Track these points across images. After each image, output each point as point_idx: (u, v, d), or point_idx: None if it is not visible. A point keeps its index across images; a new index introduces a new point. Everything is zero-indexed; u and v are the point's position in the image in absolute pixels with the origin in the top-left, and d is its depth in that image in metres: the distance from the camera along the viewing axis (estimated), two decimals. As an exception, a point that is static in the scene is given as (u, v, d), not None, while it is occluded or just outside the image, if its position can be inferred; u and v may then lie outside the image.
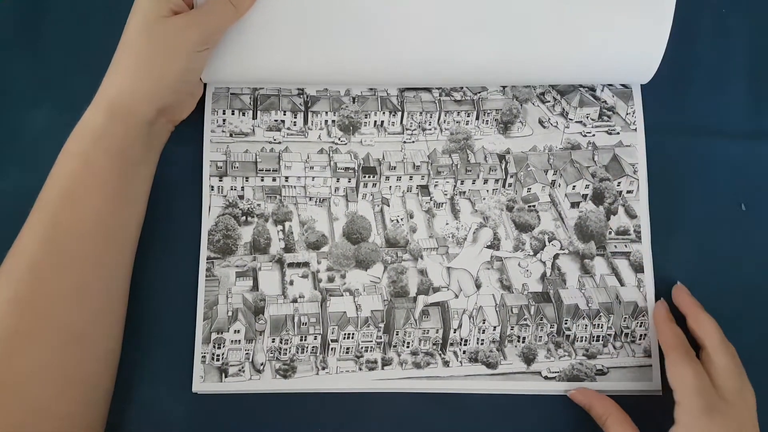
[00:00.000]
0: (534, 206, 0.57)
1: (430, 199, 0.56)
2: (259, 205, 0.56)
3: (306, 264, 0.55)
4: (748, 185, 0.56)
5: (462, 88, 0.58)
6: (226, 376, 0.52)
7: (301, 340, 0.53)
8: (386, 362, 0.53)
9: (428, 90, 0.58)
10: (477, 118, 0.58)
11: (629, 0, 0.53)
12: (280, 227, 0.55)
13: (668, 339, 0.51)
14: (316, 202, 0.56)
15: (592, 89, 0.58)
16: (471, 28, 0.53)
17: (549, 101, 0.58)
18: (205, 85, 0.57)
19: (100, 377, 0.49)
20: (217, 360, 0.52)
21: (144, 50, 0.49)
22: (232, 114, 0.57)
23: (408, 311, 0.54)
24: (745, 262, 0.56)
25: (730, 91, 0.58)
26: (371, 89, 0.58)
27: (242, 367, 0.53)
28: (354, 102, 0.57)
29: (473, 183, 0.57)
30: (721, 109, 0.58)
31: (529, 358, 0.53)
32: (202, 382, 0.52)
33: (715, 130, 0.57)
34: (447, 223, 0.56)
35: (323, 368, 0.53)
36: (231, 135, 0.57)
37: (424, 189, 0.57)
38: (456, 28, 0.53)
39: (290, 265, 0.54)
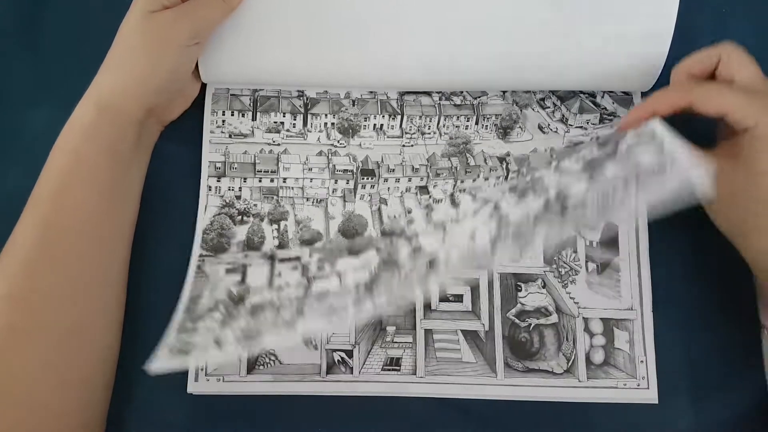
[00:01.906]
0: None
1: (429, 197, 0.56)
2: (255, 205, 0.55)
3: (297, 258, 0.54)
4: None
5: (462, 92, 0.58)
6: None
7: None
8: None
9: (428, 94, 0.58)
10: (476, 123, 0.58)
11: (631, 9, 0.53)
12: (275, 226, 0.55)
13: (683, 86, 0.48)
14: (313, 202, 0.56)
15: (593, 95, 0.58)
16: (472, 32, 0.53)
17: (549, 107, 0.58)
18: (204, 85, 0.57)
19: (99, 375, 0.49)
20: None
21: (133, 47, 0.50)
22: (232, 115, 0.57)
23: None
24: (745, 263, 0.54)
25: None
26: (371, 92, 0.58)
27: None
28: (354, 105, 0.58)
29: (473, 181, 0.56)
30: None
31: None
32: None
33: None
34: (446, 214, 0.55)
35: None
36: (230, 136, 0.57)
37: (423, 189, 0.56)
38: (457, 32, 0.53)
39: (281, 260, 0.54)
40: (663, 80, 0.54)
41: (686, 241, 0.55)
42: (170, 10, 0.49)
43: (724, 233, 0.49)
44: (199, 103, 0.56)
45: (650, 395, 0.52)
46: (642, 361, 0.52)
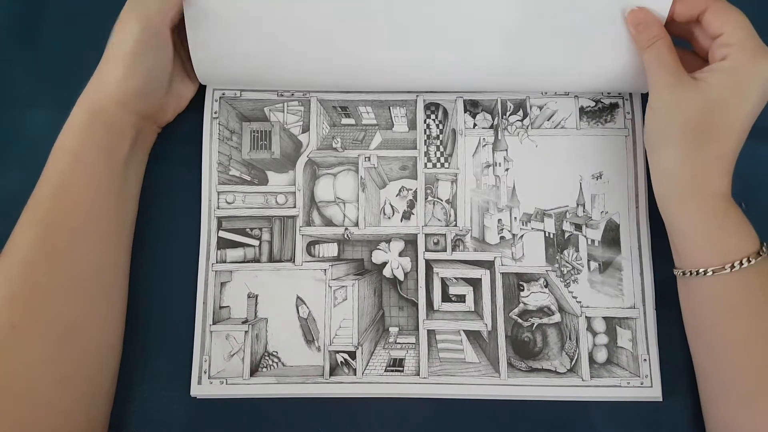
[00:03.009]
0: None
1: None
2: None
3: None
4: (748, 185, 0.56)
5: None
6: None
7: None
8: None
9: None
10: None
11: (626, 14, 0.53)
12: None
13: (648, 35, 0.50)
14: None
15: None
16: (473, 34, 0.53)
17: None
18: (203, 85, 0.57)
19: (100, 373, 0.49)
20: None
21: (113, 51, 0.50)
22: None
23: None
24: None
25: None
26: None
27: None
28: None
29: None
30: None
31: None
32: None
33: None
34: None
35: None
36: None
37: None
38: (458, 36, 0.53)
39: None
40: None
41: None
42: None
43: (646, 141, 0.50)
44: (200, 103, 0.56)
45: (654, 393, 0.52)
46: (645, 360, 0.52)
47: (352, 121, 0.57)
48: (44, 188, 0.48)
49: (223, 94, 0.57)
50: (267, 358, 0.53)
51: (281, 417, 0.52)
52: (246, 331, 0.53)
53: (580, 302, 0.54)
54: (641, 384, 0.52)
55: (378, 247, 0.55)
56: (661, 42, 0.49)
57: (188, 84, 0.55)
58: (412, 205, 0.56)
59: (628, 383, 0.52)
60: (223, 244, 0.55)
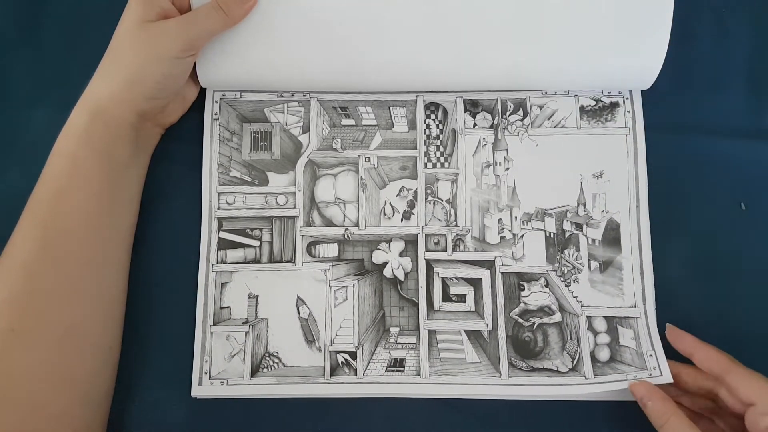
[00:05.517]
0: (535, 209, 0.56)
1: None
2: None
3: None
4: (748, 185, 0.56)
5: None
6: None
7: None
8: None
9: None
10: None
11: (627, 12, 0.53)
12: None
13: (659, 413, 0.48)
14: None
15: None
16: (475, 32, 0.53)
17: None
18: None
19: (98, 376, 0.49)
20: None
21: (124, 55, 0.49)
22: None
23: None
24: (745, 262, 0.55)
25: (730, 91, 0.58)
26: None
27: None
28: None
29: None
30: (721, 109, 0.58)
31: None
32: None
33: (715, 130, 0.57)
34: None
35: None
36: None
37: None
38: (460, 33, 0.53)
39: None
40: (661, 73, 0.54)
41: (688, 238, 0.55)
42: (165, 21, 0.49)
43: None
44: (200, 102, 0.56)
45: (665, 379, 0.51)
46: (651, 355, 0.52)
47: (352, 121, 0.57)
48: (43, 191, 0.48)
49: (224, 95, 0.57)
50: (267, 358, 0.53)
51: (282, 417, 0.52)
52: (246, 332, 0.53)
53: (581, 302, 0.54)
54: (650, 375, 0.51)
55: (378, 247, 0.55)
56: (674, 418, 0.47)
57: (192, 85, 0.55)
58: (412, 205, 0.56)
59: (635, 376, 0.51)
60: (224, 244, 0.55)
